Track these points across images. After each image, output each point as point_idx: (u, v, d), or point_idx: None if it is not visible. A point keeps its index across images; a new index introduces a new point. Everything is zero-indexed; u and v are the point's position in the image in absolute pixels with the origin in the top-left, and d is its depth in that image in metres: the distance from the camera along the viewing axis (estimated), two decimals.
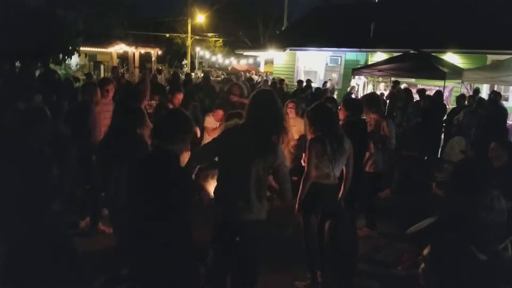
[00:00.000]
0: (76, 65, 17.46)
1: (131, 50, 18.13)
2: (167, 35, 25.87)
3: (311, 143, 3.39)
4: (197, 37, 26.11)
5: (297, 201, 3.43)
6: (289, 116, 4.94)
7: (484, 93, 11.44)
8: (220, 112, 5.40)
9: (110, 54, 18.04)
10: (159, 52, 20.90)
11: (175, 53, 28.01)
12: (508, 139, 6.58)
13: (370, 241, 4.59)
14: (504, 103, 9.86)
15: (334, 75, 15.25)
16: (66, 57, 8.29)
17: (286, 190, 2.73)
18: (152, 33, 24.59)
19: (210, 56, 25.66)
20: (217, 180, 2.68)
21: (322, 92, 9.57)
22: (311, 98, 9.05)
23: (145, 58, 21.31)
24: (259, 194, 2.59)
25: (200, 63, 27.45)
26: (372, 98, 5.08)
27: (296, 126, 4.86)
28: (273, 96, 2.73)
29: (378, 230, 4.81)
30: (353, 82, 12.37)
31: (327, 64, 15.51)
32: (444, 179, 5.10)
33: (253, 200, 2.56)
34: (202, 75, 17.32)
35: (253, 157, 2.54)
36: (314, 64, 15.79)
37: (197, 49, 25.34)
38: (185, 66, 25.01)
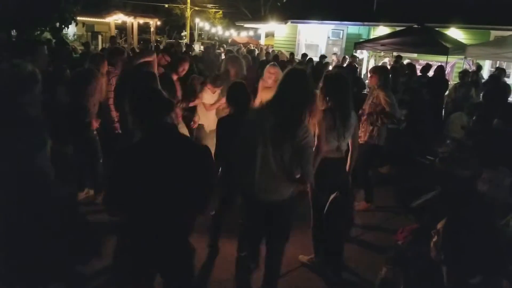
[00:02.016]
0: (74, 35, 17.10)
1: (129, 20, 17.73)
2: (166, 5, 25.24)
3: (323, 115, 3.23)
4: (196, 8, 25.49)
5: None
6: (268, 82, 4.67)
7: (486, 69, 11.36)
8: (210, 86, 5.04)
9: (108, 24, 17.64)
10: (158, 23, 20.46)
11: (174, 24, 27.42)
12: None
13: (371, 214, 4.65)
14: (506, 79, 9.80)
15: (336, 49, 15.04)
16: (63, 26, 8.09)
17: (306, 172, 2.58)
18: (151, 3, 23.94)
19: (210, 27, 25.14)
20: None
21: (323, 65, 9.46)
22: (312, 72, 8.94)
23: (144, 28, 20.86)
24: (288, 173, 2.58)
25: (199, 35, 26.92)
26: (384, 70, 4.96)
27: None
28: (305, 75, 2.67)
29: (379, 204, 4.87)
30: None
31: (329, 37, 15.28)
32: (446, 155, 5.13)
33: (278, 180, 2.57)
34: (201, 47, 17.02)
35: (280, 137, 2.50)
36: (316, 38, 15.55)
37: (197, 20, 24.77)
38: (184, 37, 24.53)
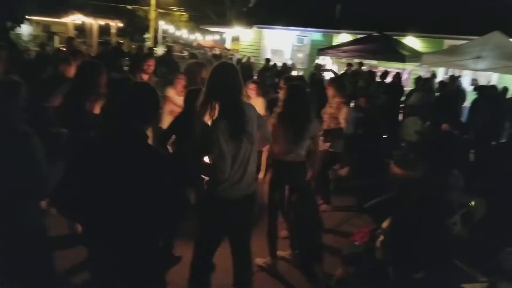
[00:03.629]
0: (29, 35, 16.36)
1: (89, 21, 17.19)
2: (130, 6, 24.70)
3: (277, 118, 3.41)
4: (161, 11, 25.11)
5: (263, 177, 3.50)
6: (251, 97, 4.83)
7: (440, 76, 11.91)
8: (181, 81, 4.83)
9: (66, 25, 17.01)
10: (120, 25, 19.97)
11: (137, 26, 26.86)
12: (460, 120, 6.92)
13: (329, 215, 4.74)
14: (458, 86, 10.31)
15: (300, 55, 15.30)
16: (15, 26, 7.71)
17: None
18: (113, 4, 23.34)
19: (174, 30, 24.79)
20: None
21: (287, 69, 9.61)
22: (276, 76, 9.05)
23: (105, 30, 20.29)
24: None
25: (164, 37, 26.52)
26: (341, 82, 5.15)
27: (256, 106, 4.85)
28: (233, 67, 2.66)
29: (338, 205, 4.98)
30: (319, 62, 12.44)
31: (293, 43, 15.51)
32: (401, 158, 5.33)
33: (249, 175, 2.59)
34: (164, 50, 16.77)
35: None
36: (281, 43, 15.75)
37: (161, 23, 24.36)
38: (147, 40, 24.07)
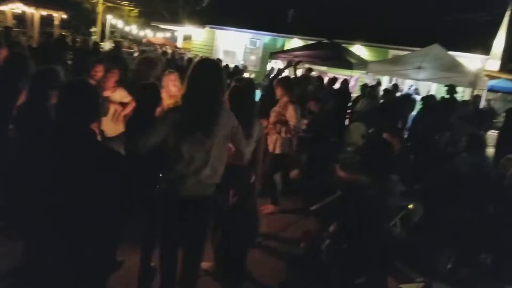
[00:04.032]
0: None
1: (29, 10, 16.08)
2: None
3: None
4: (109, 4, 24.09)
5: None
6: (172, 90, 4.59)
7: (385, 84, 12.53)
8: (114, 75, 4.59)
9: (4, 13, 15.80)
10: (64, 16, 18.86)
11: (83, 19, 25.54)
12: (403, 127, 7.29)
13: (276, 218, 4.77)
14: (398, 94, 10.92)
15: (253, 57, 15.38)
16: None
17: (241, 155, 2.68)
18: None
19: (123, 26, 23.88)
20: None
21: (239, 71, 9.60)
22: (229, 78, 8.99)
23: (48, 21, 19.07)
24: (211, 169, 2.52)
25: (112, 32, 25.45)
26: (289, 82, 5.20)
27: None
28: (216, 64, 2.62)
29: (287, 208, 5.03)
30: (270, 66, 12.60)
31: (246, 45, 15.55)
32: (346, 162, 5.51)
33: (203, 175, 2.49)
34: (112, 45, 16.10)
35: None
36: (234, 45, 15.73)
37: (109, 17, 23.34)
38: (93, 34, 22.98)
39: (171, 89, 4.56)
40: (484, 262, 3.79)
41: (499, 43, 13.69)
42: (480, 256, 3.81)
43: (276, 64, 13.03)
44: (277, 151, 4.87)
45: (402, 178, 3.82)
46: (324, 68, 13.14)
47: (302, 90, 9.89)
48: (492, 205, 3.85)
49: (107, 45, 16.12)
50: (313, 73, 11.65)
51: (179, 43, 17.52)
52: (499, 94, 15.47)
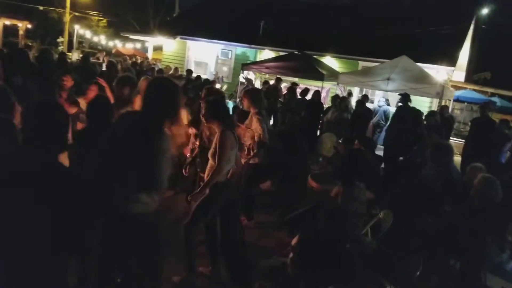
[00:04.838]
0: None
1: None
2: (41, 7, 22.81)
3: (226, 136, 3.28)
4: (76, 14, 23.60)
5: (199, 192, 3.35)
6: None
7: (355, 95, 12.78)
8: (93, 91, 4.52)
9: None
10: (29, 26, 18.29)
11: (50, 29, 24.86)
12: (370, 136, 7.40)
13: (250, 230, 4.70)
14: (370, 105, 11.14)
15: (225, 69, 15.36)
16: None
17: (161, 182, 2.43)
18: (22, 4, 21.38)
19: (91, 36, 23.38)
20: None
21: (211, 82, 9.54)
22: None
23: (11, 31, 18.43)
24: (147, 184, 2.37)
25: (80, 42, 24.88)
26: (256, 93, 5.17)
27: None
28: (170, 83, 2.55)
29: (260, 220, 4.97)
30: (242, 77, 12.60)
31: (218, 56, 15.53)
32: (318, 172, 5.52)
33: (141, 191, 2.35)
34: (79, 56, 15.72)
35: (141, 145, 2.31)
36: (205, 56, 15.66)
37: (76, 27, 22.81)
38: (60, 44, 22.38)
39: None
40: (452, 269, 3.84)
41: (464, 55, 14.30)
42: (448, 263, 3.86)
43: (249, 76, 13.07)
44: (251, 161, 4.80)
45: (371, 187, 3.84)
46: (296, 79, 13.27)
47: (273, 101, 9.98)
48: (459, 213, 3.91)
49: (75, 55, 15.72)
50: (284, 84, 11.75)
51: (150, 54, 17.30)
52: (465, 104, 16.07)
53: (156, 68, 12.17)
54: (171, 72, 11.71)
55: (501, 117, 9.43)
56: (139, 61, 15.61)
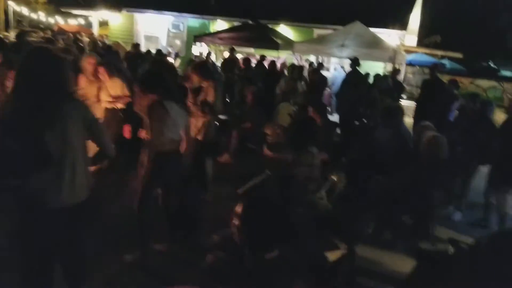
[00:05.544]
0: None
1: None
2: None
3: (153, 108, 3.17)
4: None
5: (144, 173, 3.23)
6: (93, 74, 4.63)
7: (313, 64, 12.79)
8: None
9: None
10: None
11: None
12: (325, 103, 7.43)
13: (205, 203, 4.62)
14: (326, 73, 11.19)
15: (178, 42, 14.81)
16: None
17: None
18: None
19: (29, 13, 21.60)
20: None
21: (161, 55, 9.17)
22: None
23: None
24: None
25: (18, 21, 23.03)
26: (204, 66, 4.96)
27: (115, 87, 4.61)
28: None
29: (217, 192, 4.89)
30: (196, 50, 12.22)
31: (169, 29, 14.91)
32: (274, 141, 5.48)
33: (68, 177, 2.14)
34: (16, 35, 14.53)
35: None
36: (156, 29, 14.99)
37: (11, 3, 20.99)
38: None
39: (90, 73, 4.39)
40: (405, 224, 3.98)
41: (415, 20, 14.56)
42: (401, 219, 3.98)
43: (203, 48, 12.69)
44: (204, 137, 4.66)
45: (325, 152, 3.85)
46: (251, 50, 13.04)
47: (230, 73, 9.76)
48: (409, 171, 4.01)
49: (12, 35, 14.57)
50: (239, 55, 11.53)
51: (95, 30, 16.32)
52: (417, 68, 16.53)
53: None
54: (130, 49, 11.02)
55: (450, 78, 9.76)
56: (85, 38, 14.69)
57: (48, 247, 2.18)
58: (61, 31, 17.61)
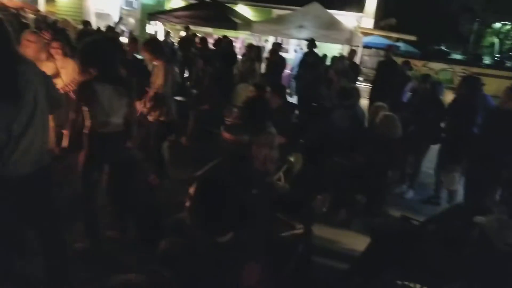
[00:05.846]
0: None
1: None
2: None
3: (80, 88, 2.93)
4: None
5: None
6: (56, 58, 4.32)
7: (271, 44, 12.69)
8: None
9: None
10: None
11: None
12: (284, 85, 7.41)
13: (162, 188, 4.49)
14: (284, 54, 11.15)
15: (131, 20, 14.16)
16: None
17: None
18: None
19: None
20: None
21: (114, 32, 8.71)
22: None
23: None
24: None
25: None
26: (155, 43, 4.72)
27: (65, 69, 4.29)
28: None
29: (174, 177, 4.77)
30: (150, 29, 11.73)
31: (121, 6, 14.19)
32: (232, 123, 5.40)
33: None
34: None
35: None
36: (107, 6, 14.22)
37: None
38: None
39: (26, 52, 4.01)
40: (359, 202, 4.07)
41: (372, 3, 14.75)
42: (355, 197, 4.07)
43: (158, 27, 12.21)
44: (161, 118, 4.47)
45: (283, 133, 3.82)
46: (209, 30, 12.72)
47: (187, 52, 9.46)
48: (364, 151, 4.09)
49: None
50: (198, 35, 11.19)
51: (41, 6, 15.20)
52: (373, 50, 16.87)
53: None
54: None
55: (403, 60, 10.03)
56: (29, 15, 13.63)
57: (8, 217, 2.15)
58: (2, 7, 16.23)
